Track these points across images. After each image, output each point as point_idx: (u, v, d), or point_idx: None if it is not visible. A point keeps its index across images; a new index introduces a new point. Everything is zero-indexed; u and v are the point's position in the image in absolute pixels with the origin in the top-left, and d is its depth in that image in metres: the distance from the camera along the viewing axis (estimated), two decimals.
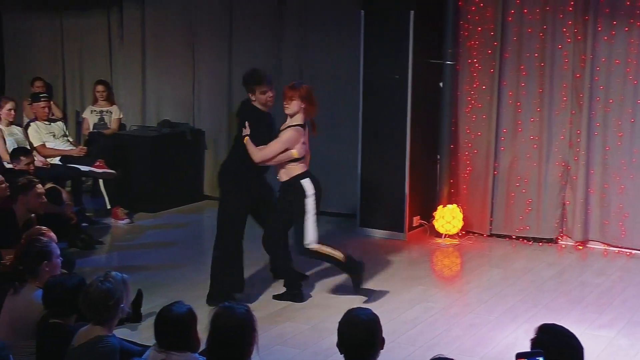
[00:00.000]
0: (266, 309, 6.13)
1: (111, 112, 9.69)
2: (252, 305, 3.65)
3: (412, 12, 7.93)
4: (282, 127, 6.30)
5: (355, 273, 6.42)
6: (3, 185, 6.17)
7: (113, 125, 9.65)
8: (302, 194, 6.18)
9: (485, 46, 8.13)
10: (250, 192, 6.34)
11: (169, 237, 8.28)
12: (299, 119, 6.22)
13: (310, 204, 6.19)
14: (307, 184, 6.20)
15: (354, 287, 6.42)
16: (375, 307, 5.96)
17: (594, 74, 7.74)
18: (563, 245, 8.04)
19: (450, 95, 8.22)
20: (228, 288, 6.25)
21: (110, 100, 9.82)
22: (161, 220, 8.94)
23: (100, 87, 9.74)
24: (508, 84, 8.07)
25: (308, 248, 6.25)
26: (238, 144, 6.29)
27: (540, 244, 8.05)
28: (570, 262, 7.56)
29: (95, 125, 9.61)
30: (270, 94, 6.33)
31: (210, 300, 6.20)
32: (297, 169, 6.22)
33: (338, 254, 6.34)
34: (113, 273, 3.93)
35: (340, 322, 3.37)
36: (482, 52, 8.16)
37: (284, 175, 6.26)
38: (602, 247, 7.95)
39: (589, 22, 7.71)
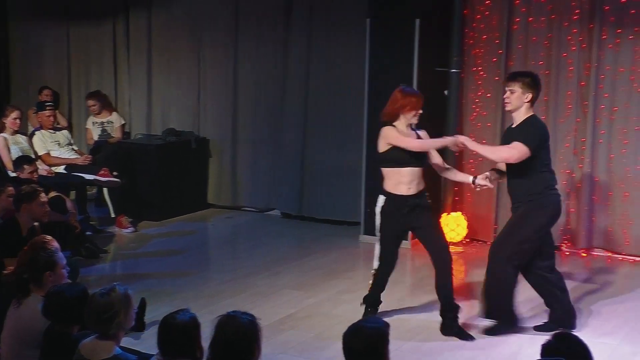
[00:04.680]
0: (270, 317, 6.12)
1: (112, 122, 9.67)
2: (256, 314, 3.62)
3: (417, 21, 7.94)
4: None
5: (369, 307, 6.07)
6: (11, 199, 6.18)
7: (116, 134, 9.65)
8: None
9: (490, 54, 8.13)
10: None
11: (174, 246, 8.29)
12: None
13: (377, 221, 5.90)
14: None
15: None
16: (379, 314, 5.96)
17: (598, 82, 7.75)
18: (567, 253, 8.02)
19: (455, 103, 8.22)
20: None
21: (108, 109, 9.77)
22: (166, 228, 8.94)
23: (90, 102, 9.62)
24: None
25: None
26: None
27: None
28: (574, 269, 7.53)
29: (99, 136, 9.60)
30: (505, 94, 5.76)
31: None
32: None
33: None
34: (117, 287, 3.90)
35: (347, 329, 3.37)
36: (487, 60, 8.16)
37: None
38: (605, 254, 7.94)
39: (594, 30, 7.72)
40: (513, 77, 5.82)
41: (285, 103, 9.36)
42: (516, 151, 5.63)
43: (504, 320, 5.88)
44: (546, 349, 3.21)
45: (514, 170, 5.76)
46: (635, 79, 7.65)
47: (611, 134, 7.81)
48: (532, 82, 5.71)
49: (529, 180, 5.71)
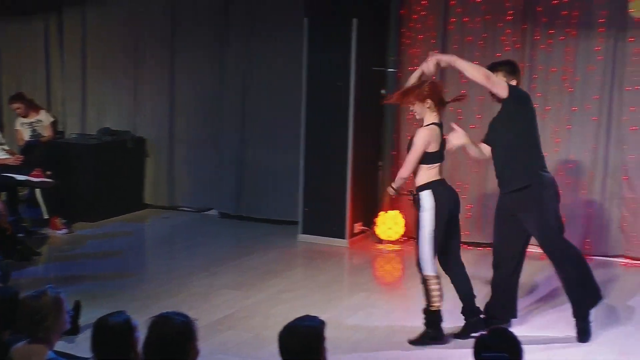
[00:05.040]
0: (208, 317, 6.07)
1: (41, 121, 9.42)
2: (194, 314, 3.58)
3: (355, 20, 7.99)
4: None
5: (430, 329, 5.70)
6: None
7: (47, 132, 9.42)
8: (419, 206, 5.62)
9: (426, 54, 8.18)
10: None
11: (110, 247, 8.16)
12: (433, 117, 5.68)
13: (426, 219, 5.55)
14: (426, 196, 5.60)
15: (418, 339, 5.74)
16: (317, 313, 5.94)
17: (531, 82, 7.91)
18: None
19: None
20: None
21: (34, 109, 9.47)
22: (101, 229, 8.80)
23: (14, 105, 9.29)
24: (449, 92, 8.13)
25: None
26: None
27: (480, 248, 8.13)
28: None
29: (30, 136, 9.37)
30: None
31: None
32: (425, 176, 5.70)
33: (437, 302, 5.63)
34: (49, 289, 3.81)
35: (282, 329, 3.36)
36: (423, 60, 8.19)
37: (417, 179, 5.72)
38: (539, 251, 8.06)
39: (527, 31, 7.88)
40: (493, 67, 5.79)
41: (223, 102, 9.31)
42: (494, 77, 5.60)
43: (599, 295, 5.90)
44: (479, 344, 3.23)
45: (505, 152, 5.76)
46: (566, 78, 7.83)
47: (544, 133, 7.90)
48: (513, 69, 5.80)
49: (522, 162, 5.73)
